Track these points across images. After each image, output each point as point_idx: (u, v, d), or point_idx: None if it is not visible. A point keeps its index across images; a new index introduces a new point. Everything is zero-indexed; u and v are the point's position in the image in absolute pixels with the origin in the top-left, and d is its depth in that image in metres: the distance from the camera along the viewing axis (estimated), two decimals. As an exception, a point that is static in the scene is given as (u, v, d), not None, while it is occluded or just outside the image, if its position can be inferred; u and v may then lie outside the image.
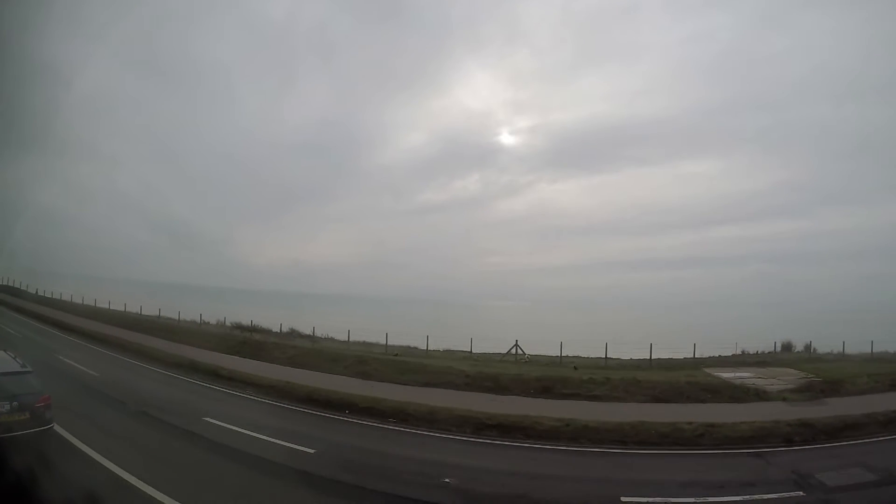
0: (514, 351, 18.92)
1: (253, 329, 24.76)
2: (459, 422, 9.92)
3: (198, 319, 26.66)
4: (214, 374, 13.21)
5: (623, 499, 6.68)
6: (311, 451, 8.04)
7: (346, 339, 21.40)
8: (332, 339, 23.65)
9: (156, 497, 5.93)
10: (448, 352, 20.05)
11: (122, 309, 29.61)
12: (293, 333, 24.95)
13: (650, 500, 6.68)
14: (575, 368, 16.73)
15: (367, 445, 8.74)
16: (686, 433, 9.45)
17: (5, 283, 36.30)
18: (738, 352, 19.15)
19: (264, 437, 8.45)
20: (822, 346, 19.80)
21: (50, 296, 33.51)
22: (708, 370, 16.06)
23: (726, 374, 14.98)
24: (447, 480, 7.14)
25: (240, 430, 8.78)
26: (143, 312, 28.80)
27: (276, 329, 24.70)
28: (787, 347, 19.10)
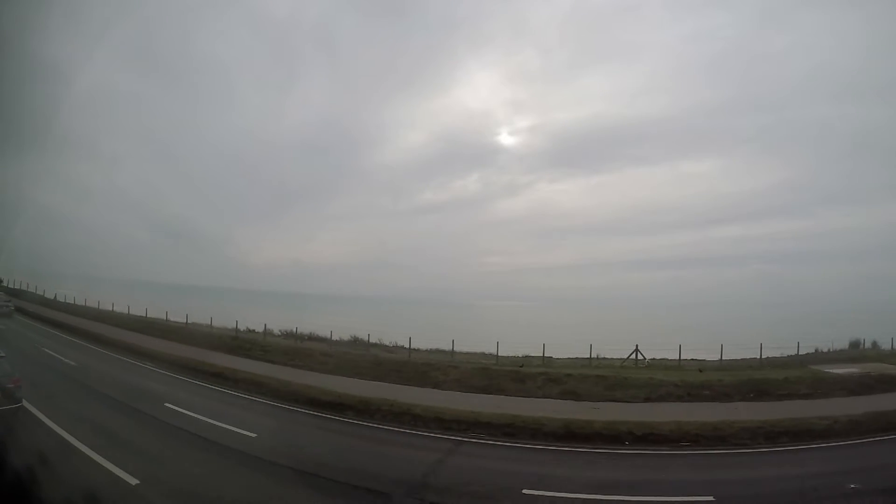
0: (634, 356, 19.10)
1: (308, 337, 22.89)
2: (749, 434, 9.38)
3: (239, 327, 24.13)
4: (410, 415, 10.47)
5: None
6: (709, 498, 6.72)
7: (451, 348, 19.80)
8: (401, 348, 21.62)
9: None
10: (570, 360, 19.57)
11: (157, 316, 27.26)
12: (357, 342, 22.76)
13: None
14: (700, 371, 17.34)
15: (736, 476, 7.80)
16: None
17: (7, 284, 33.80)
18: (812, 350, 21.08)
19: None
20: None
21: (61, 299, 31.65)
22: (814, 367, 17.63)
23: (837, 371, 16.25)
24: (853, 486, 6.93)
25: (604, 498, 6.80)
26: (188, 321, 25.80)
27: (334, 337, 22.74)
28: (854, 345, 21.33)
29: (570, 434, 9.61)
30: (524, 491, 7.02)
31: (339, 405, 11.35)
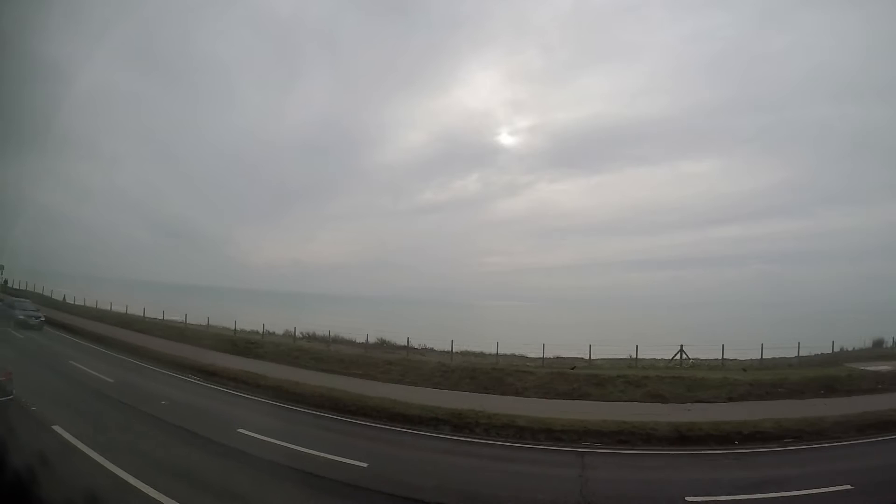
0: (679, 356, 19.86)
1: (332, 340, 22.92)
2: (841, 428, 10.16)
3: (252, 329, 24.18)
4: (514, 427, 10.35)
5: None
6: (848, 486, 7.14)
7: (496, 351, 19.94)
8: (430, 350, 21.96)
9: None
10: (609, 360, 20.14)
11: (174, 318, 27.07)
12: (385, 345, 22.45)
13: None
14: (744, 370, 18.20)
15: (857, 465, 8.34)
16: None
17: (11, 285, 34.25)
18: (838, 349, 21.66)
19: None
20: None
21: (70, 301, 31.37)
22: (849, 365, 18.54)
23: (874, 368, 17.00)
24: None
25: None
26: (209, 324, 25.34)
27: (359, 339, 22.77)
28: (877, 343, 22.42)
29: (682, 437, 9.91)
30: (687, 498, 7.11)
31: (431, 420, 10.95)
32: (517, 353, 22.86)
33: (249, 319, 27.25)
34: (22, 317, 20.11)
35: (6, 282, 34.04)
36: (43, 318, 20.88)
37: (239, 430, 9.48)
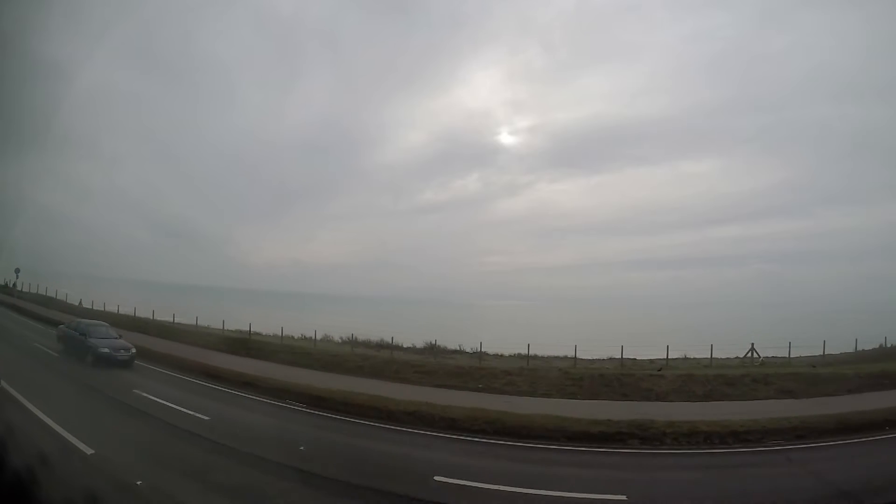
0: (750, 355, 21.95)
1: (377, 345, 23.63)
2: None
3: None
4: (702, 433, 10.78)
5: None
6: None
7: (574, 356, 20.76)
8: (483, 353, 22.81)
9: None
10: (686, 359, 21.86)
11: (209, 324, 26.88)
12: (436, 349, 23.23)
13: None
14: (813, 367, 20.62)
15: None
16: None
17: (20, 289, 33.52)
18: (876, 346, 24.29)
19: None
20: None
21: (87, 306, 30.58)
22: None
23: None
24: None
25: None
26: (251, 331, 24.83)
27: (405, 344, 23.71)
28: None
29: (847, 428, 11.33)
30: None
31: (616, 434, 11.08)
32: (566, 356, 23.84)
33: (278, 323, 27.05)
34: (105, 350, 15.73)
35: (14, 285, 31.63)
36: (134, 350, 16.52)
37: (436, 478, 8.06)
